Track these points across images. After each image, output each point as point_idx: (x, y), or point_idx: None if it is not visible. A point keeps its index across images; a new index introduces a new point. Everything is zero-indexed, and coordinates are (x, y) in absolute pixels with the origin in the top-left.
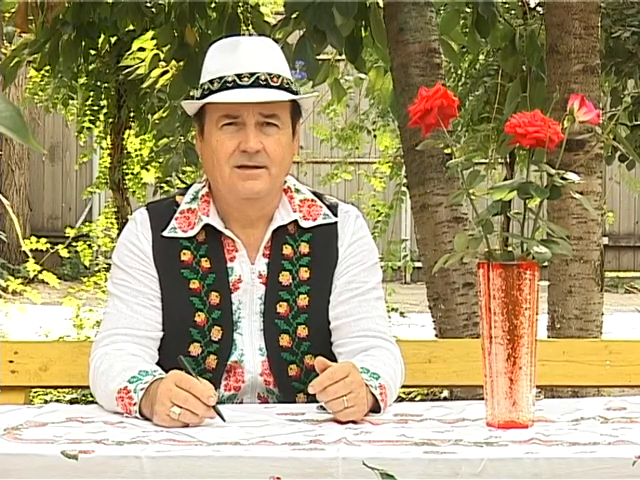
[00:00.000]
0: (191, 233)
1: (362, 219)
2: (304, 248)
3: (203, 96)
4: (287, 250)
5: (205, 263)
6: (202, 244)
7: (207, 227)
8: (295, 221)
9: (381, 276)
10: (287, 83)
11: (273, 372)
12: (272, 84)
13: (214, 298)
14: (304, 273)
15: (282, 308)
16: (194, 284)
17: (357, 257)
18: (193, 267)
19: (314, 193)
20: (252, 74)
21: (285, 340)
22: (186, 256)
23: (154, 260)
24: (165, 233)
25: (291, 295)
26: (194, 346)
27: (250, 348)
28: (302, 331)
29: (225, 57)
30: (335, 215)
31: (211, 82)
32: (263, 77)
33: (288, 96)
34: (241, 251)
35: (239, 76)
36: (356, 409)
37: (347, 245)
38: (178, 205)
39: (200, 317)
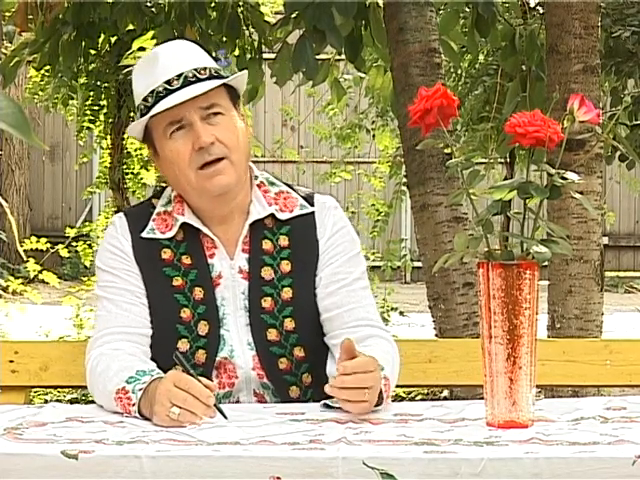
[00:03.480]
0: (169, 234)
1: (340, 209)
2: (283, 241)
3: (142, 115)
4: (267, 245)
5: (186, 260)
6: (181, 242)
7: (184, 226)
8: (272, 214)
9: (365, 265)
10: (215, 72)
11: (264, 367)
12: (201, 77)
13: (198, 293)
14: (285, 266)
15: (267, 303)
16: (177, 281)
17: (339, 248)
18: (174, 264)
19: (288, 185)
20: (179, 75)
21: (273, 334)
22: (166, 254)
23: (135, 260)
24: (144, 234)
25: (275, 289)
26: (182, 342)
27: (239, 344)
28: (289, 324)
29: (149, 72)
30: (311, 205)
31: (145, 100)
32: (190, 74)
33: (217, 82)
34: (219, 248)
35: (168, 82)
36: (368, 405)
37: (328, 236)
38: (154, 207)
39: (186, 313)
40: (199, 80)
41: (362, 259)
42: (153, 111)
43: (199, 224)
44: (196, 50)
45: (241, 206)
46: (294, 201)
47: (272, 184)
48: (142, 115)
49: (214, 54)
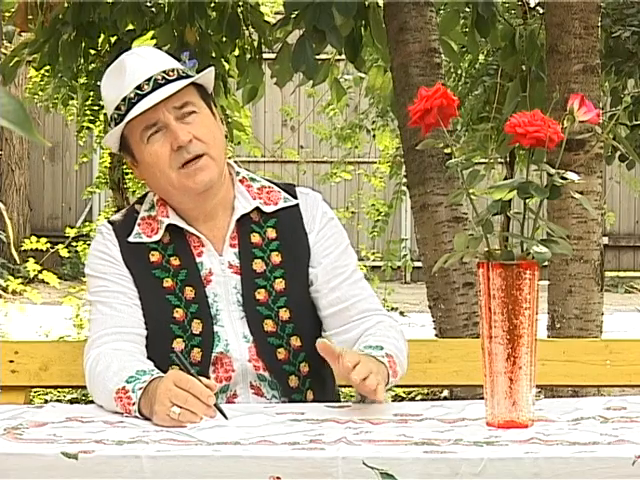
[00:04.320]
0: (155, 238)
1: (324, 202)
2: (271, 233)
3: (117, 124)
4: (255, 238)
5: (174, 261)
6: (168, 245)
7: (170, 229)
8: (257, 208)
9: (356, 256)
10: (183, 72)
11: (262, 358)
12: (170, 78)
13: (189, 293)
14: (275, 257)
15: (261, 295)
16: (167, 282)
17: (331, 240)
18: (163, 266)
19: (269, 180)
20: (148, 79)
21: (269, 325)
22: (155, 257)
23: (125, 264)
24: (131, 239)
25: (267, 281)
26: (177, 342)
27: (234, 337)
28: (284, 314)
29: (118, 80)
30: (294, 197)
31: (118, 108)
32: (159, 77)
33: (187, 81)
34: (207, 245)
35: (139, 87)
36: (382, 388)
37: (319, 229)
38: (138, 212)
39: (178, 313)
40: (168, 81)
41: (352, 249)
42: (127, 118)
43: (184, 224)
44: (161, 54)
45: (224, 202)
46: (277, 194)
47: (253, 180)
48: (116, 124)
49: (182, 57)
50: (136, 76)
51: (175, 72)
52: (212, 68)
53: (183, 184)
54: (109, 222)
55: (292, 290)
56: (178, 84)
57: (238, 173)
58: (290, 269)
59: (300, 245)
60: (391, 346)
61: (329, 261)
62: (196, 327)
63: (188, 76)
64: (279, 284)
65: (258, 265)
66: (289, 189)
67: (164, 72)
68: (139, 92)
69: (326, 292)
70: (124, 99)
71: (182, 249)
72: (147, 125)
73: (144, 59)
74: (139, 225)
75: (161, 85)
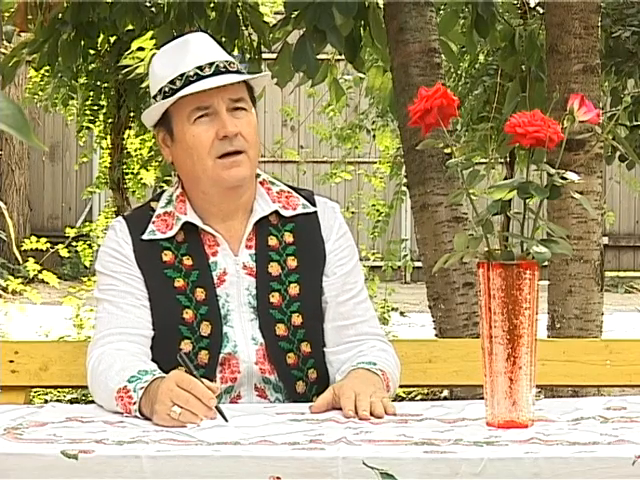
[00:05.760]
0: (170, 233)
1: (341, 214)
2: (288, 237)
3: (165, 98)
4: (272, 241)
5: (187, 261)
6: (182, 244)
7: (185, 226)
8: (276, 211)
9: (363, 274)
10: (241, 70)
11: (271, 362)
12: (231, 70)
13: (200, 294)
14: (291, 262)
15: (275, 298)
16: (178, 282)
17: (345, 252)
18: (176, 266)
19: (288, 186)
20: (211, 64)
21: (281, 329)
22: (167, 256)
23: (137, 263)
24: (144, 236)
25: (282, 285)
26: (185, 343)
27: (243, 339)
28: (296, 319)
29: (178, 57)
30: (313, 205)
31: (172, 82)
32: (222, 65)
33: (250, 76)
34: (222, 245)
35: (200, 68)
36: (387, 401)
37: (335, 238)
38: (154, 210)
39: (188, 314)
40: (229, 72)
41: (360, 266)
42: (183, 92)
43: (201, 223)
44: (219, 48)
45: (245, 204)
46: (296, 200)
47: (272, 183)
48: (165, 97)
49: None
50: (199, 57)
51: (235, 66)
52: (269, 73)
53: (218, 174)
54: (124, 218)
55: (306, 296)
56: (239, 76)
57: (258, 175)
58: (305, 275)
59: (316, 252)
60: (383, 364)
61: (341, 274)
62: (205, 329)
63: (243, 74)
64: (293, 289)
65: (274, 268)
66: (308, 196)
67: (227, 61)
68: (199, 72)
69: (333, 305)
70: (182, 75)
71: (195, 248)
72: (199, 106)
73: (209, 44)
74: (153, 223)
75: (222, 73)
